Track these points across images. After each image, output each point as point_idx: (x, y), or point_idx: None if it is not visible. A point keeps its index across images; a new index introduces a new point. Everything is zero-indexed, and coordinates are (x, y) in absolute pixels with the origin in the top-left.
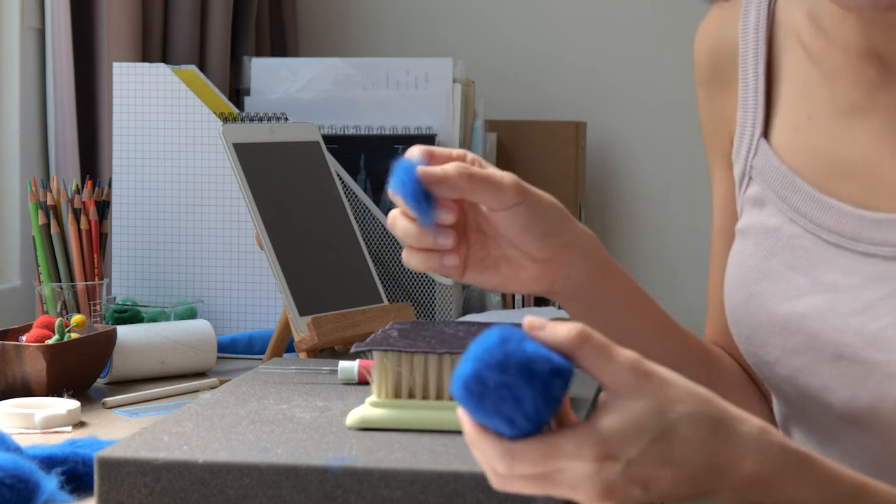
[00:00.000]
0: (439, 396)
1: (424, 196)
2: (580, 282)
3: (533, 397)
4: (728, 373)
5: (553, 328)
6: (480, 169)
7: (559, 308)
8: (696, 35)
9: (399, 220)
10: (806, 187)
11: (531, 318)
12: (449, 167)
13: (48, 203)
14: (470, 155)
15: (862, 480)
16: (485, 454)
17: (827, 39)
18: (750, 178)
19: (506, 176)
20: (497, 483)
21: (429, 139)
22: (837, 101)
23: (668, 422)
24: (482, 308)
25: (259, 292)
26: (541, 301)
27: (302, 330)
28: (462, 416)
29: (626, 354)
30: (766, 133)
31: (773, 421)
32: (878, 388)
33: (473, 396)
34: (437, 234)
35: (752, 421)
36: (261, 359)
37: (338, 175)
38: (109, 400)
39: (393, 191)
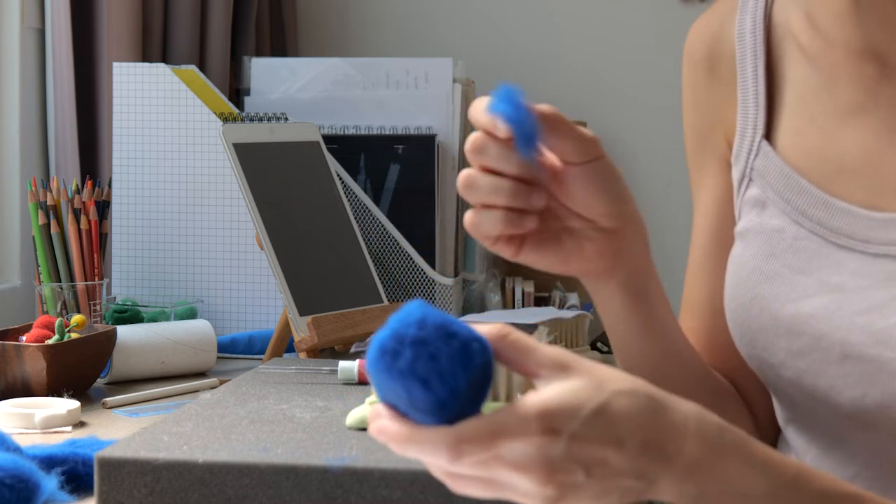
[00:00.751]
0: None
1: (535, 129)
2: (636, 263)
3: (449, 356)
4: (721, 385)
5: (474, 326)
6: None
7: (560, 308)
8: (689, 33)
9: (481, 177)
10: (813, 190)
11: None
12: (544, 106)
13: (48, 203)
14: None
15: (801, 466)
16: (426, 448)
17: (825, 40)
18: (750, 179)
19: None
20: (450, 481)
21: (429, 139)
22: (838, 101)
23: (605, 397)
24: (482, 308)
25: (259, 292)
26: (540, 301)
27: (302, 330)
28: (386, 424)
29: (549, 347)
30: (767, 135)
31: (752, 432)
32: (886, 387)
33: (387, 355)
34: (532, 195)
35: (687, 402)
36: (261, 359)
37: (338, 175)
38: (109, 400)
39: (504, 117)
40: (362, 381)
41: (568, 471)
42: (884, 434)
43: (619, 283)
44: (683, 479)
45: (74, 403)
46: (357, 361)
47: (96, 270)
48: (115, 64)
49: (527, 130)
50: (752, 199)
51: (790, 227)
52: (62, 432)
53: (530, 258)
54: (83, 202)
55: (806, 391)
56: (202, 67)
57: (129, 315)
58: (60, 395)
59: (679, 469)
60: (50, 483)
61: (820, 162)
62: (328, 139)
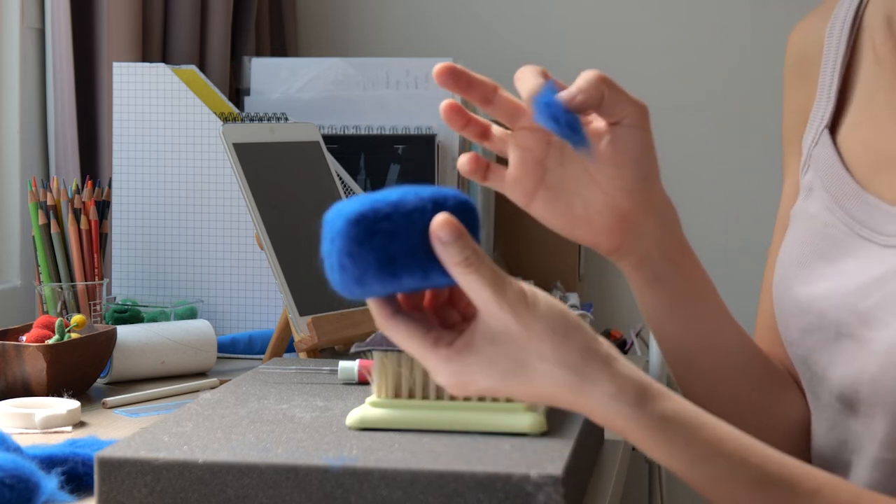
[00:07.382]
0: (439, 396)
1: (578, 123)
2: (649, 250)
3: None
4: (778, 372)
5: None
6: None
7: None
8: (790, 36)
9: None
10: (850, 181)
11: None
12: (585, 84)
13: (48, 203)
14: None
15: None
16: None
17: (895, 41)
18: (808, 166)
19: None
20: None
21: (429, 139)
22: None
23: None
24: None
25: (259, 292)
26: None
27: (302, 330)
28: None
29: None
30: (833, 127)
31: (807, 420)
32: (864, 365)
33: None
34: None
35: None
36: (261, 359)
37: (338, 175)
38: (109, 400)
39: (547, 127)
40: (362, 381)
41: (516, 296)
42: (864, 418)
43: (632, 266)
44: (620, 390)
45: (74, 403)
46: (357, 361)
47: (96, 270)
48: (115, 64)
49: (575, 136)
50: (806, 184)
51: (823, 214)
52: (62, 432)
53: (538, 211)
54: (83, 202)
55: (811, 370)
56: (202, 67)
57: (129, 315)
58: (60, 395)
59: (618, 381)
60: (50, 483)
61: (867, 156)
62: (328, 139)
